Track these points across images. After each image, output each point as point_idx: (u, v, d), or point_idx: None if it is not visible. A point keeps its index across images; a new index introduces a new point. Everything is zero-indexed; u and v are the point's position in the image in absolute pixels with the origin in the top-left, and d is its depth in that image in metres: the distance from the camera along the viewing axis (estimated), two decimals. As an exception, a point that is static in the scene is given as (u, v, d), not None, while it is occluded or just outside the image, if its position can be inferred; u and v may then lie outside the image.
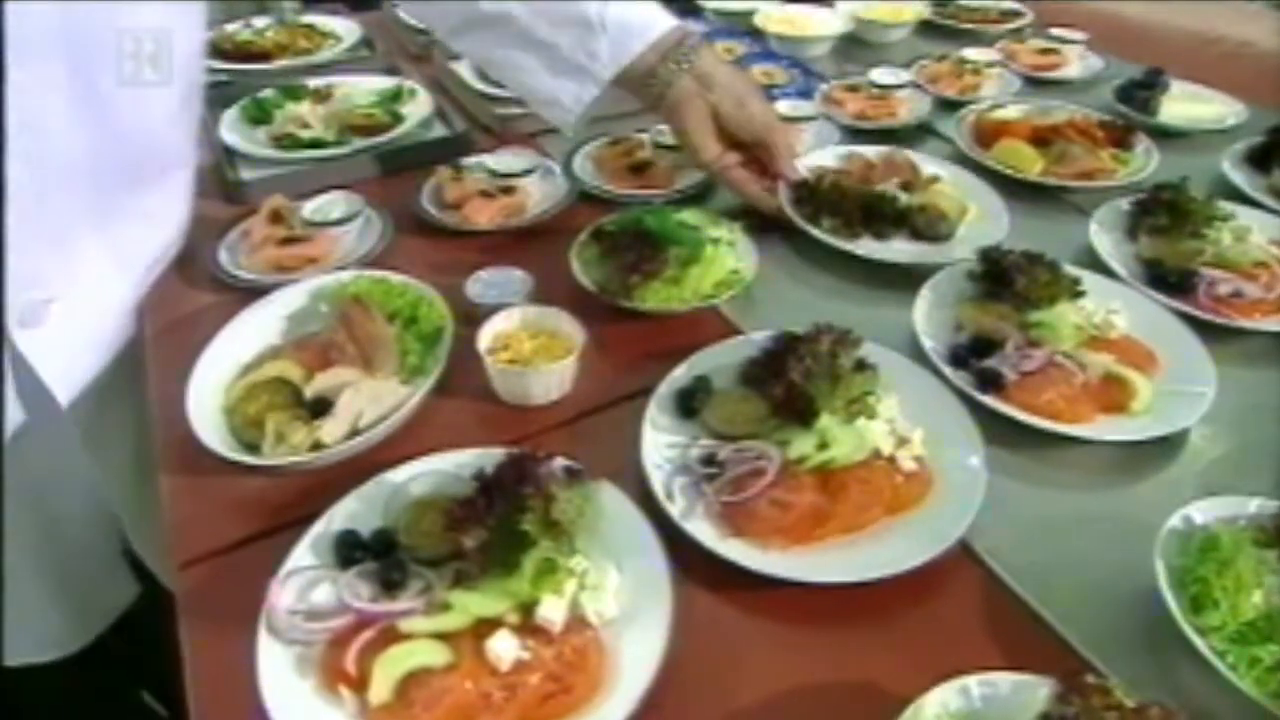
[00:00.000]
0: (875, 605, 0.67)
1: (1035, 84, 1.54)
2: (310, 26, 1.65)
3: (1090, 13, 1.84)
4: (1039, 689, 0.56)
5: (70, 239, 0.90)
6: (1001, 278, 0.93)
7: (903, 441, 0.76)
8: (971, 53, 1.52)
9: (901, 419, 0.78)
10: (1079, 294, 0.92)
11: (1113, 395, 0.83)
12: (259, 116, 1.31)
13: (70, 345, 0.93)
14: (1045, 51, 1.60)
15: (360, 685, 0.58)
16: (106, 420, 0.99)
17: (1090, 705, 0.53)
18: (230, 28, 1.60)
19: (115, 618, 1.18)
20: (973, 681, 0.57)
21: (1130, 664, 0.63)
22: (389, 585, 0.64)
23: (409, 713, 0.57)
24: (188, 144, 1.04)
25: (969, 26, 1.77)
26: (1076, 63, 1.59)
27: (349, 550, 0.66)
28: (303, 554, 0.66)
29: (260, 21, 1.63)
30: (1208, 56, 1.67)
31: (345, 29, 1.65)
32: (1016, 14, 1.81)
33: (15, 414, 0.91)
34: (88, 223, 0.92)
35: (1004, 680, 0.57)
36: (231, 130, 1.27)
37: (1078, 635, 0.65)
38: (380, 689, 0.57)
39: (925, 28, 1.77)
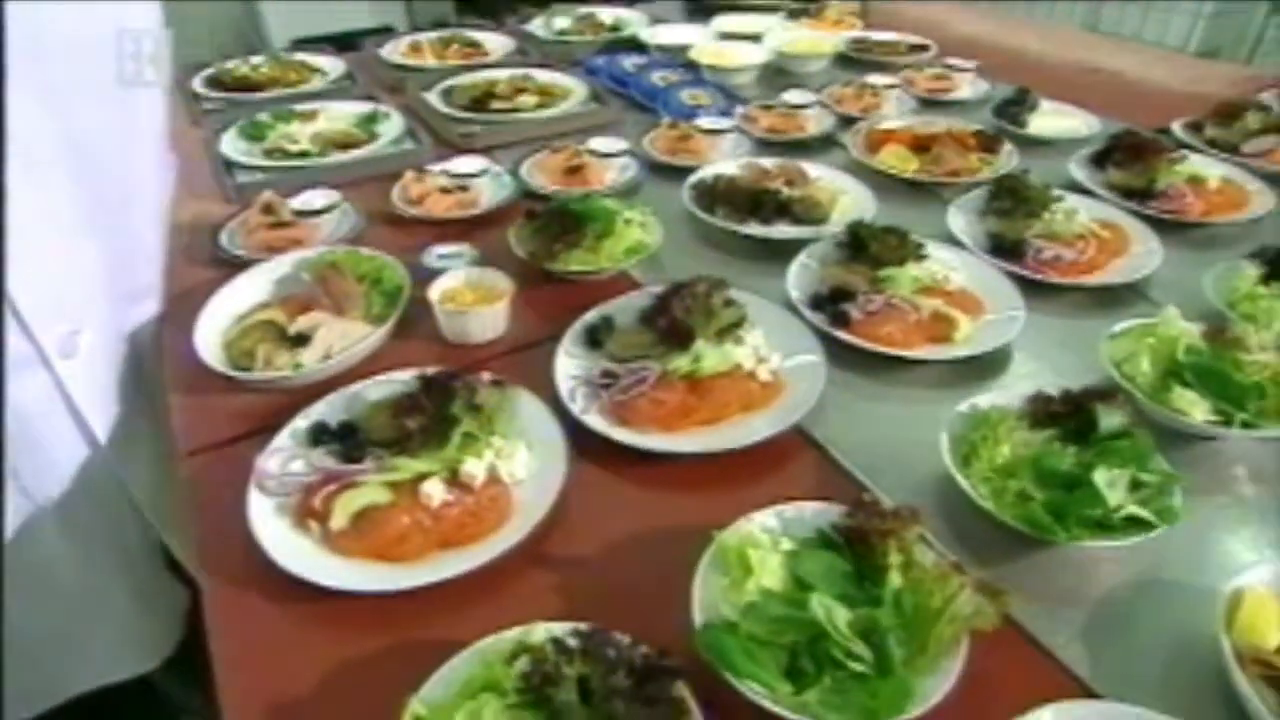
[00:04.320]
0: (728, 476, 0.86)
1: (930, 105, 1.77)
2: (300, 62, 1.88)
3: (994, 46, 2.11)
4: (833, 511, 0.75)
5: (89, 270, 0.97)
6: (862, 245, 1.14)
7: (762, 361, 0.96)
8: (875, 78, 1.76)
9: (766, 347, 0.98)
10: (923, 256, 1.13)
11: (940, 329, 1.04)
12: (254, 135, 1.53)
13: (101, 375, 1.01)
14: (940, 77, 1.84)
15: (324, 519, 0.77)
16: (133, 436, 1.05)
17: (866, 514, 0.72)
18: (230, 64, 1.83)
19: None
20: (783, 507, 0.76)
21: (920, 503, 0.81)
22: (349, 460, 0.83)
23: (359, 536, 0.76)
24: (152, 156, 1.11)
25: (880, 59, 2.01)
26: (967, 87, 1.83)
27: (319, 435, 0.86)
28: (283, 439, 0.86)
29: (256, 59, 1.86)
30: (1086, 83, 1.92)
31: (331, 65, 1.88)
32: (924, 48, 2.06)
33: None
34: (99, 250, 0.98)
35: (809, 506, 0.76)
36: (230, 146, 1.49)
37: (883, 488, 0.84)
38: (339, 520, 0.76)
39: (841, 60, 2.02)
